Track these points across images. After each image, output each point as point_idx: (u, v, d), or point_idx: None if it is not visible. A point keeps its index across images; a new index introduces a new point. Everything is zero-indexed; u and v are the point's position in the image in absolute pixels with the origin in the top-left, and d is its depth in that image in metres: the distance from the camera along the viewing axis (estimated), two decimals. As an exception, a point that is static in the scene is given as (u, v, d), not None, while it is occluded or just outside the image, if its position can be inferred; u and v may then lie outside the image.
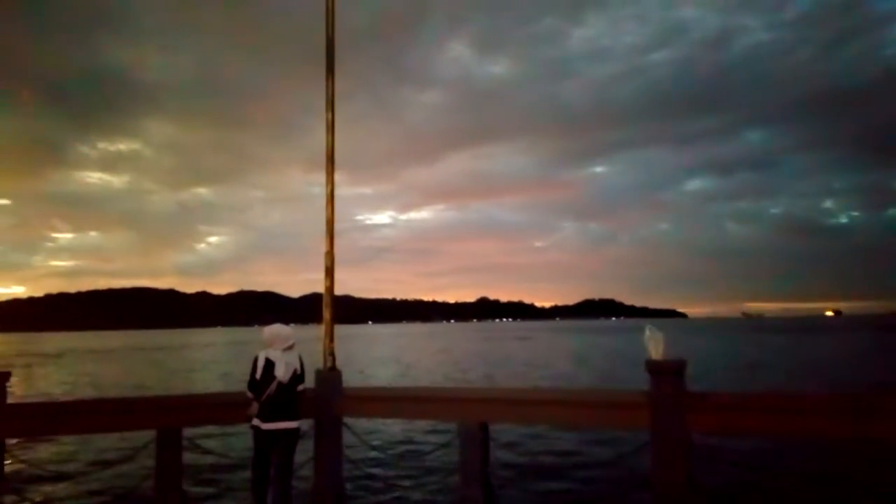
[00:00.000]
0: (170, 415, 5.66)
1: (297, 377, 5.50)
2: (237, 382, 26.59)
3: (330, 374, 6.24)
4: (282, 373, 5.34)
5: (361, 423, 6.47)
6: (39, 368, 40.23)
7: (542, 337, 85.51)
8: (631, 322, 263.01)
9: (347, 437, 6.25)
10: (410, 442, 11.48)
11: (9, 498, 6.08)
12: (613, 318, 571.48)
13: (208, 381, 28.61)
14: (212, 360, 47.83)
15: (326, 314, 6.54)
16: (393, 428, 12.48)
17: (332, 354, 6.36)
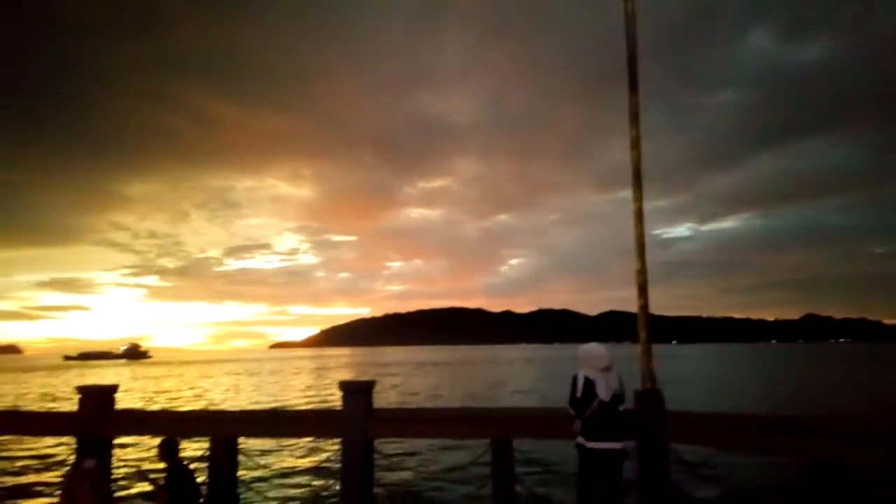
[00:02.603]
0: (502, 425, 6.13)
1: (618, 397, 5.44)
2: (533, 398, 27.64)
3: (650, 396, 6.03)
4: (603, 392, 5.34)
5: (688, 449, 6.06)
6: (386, 378, 47.47)
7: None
8: None
9: (674, 463, 5.95)
10: (744, 474, 10.30)
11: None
12: None
13: (513, 395, 30.27)
14: (515, 375, 50.54)
15: (643, 333, 6.37)
16: (725, 458, 11.14)
17: (652, 375, 6.16)
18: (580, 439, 5.35)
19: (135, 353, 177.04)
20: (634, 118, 6.65)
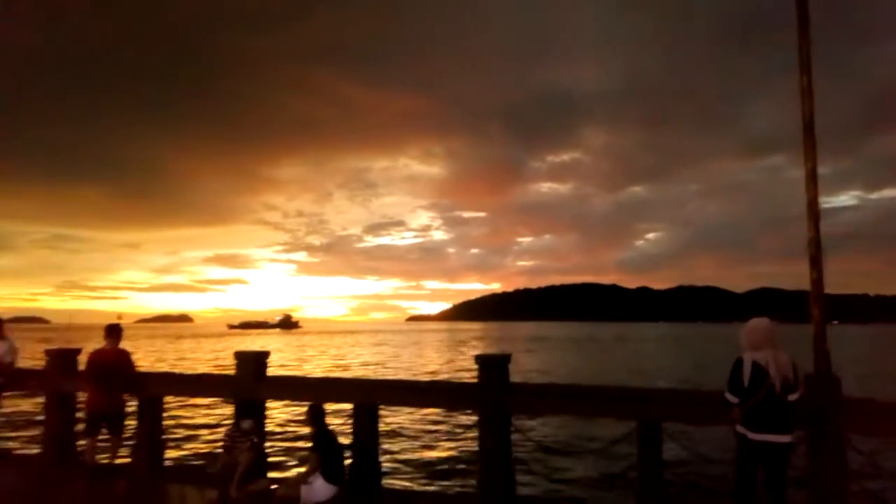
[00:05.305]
0: (651, 407, 5.70)
1: (790, 385, 4.75)
2: (673, 379, 25.98)
3: (825, 381, 5.29)
4: (774, 379, 4.69)
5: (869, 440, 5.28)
6: (519, 354, 47.42)
7: None
8: None
9: (853, 455, 5.20)
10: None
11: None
12: None
13: (654, 376, 28.73)
14: (653, 354, 48.24)
15: (815, 311, 5.56)
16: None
17: (827, 357, 5.39)
18: (741, 429, 4.74)
19: (288, 324, 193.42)
20: (805, 63, 5.72)
